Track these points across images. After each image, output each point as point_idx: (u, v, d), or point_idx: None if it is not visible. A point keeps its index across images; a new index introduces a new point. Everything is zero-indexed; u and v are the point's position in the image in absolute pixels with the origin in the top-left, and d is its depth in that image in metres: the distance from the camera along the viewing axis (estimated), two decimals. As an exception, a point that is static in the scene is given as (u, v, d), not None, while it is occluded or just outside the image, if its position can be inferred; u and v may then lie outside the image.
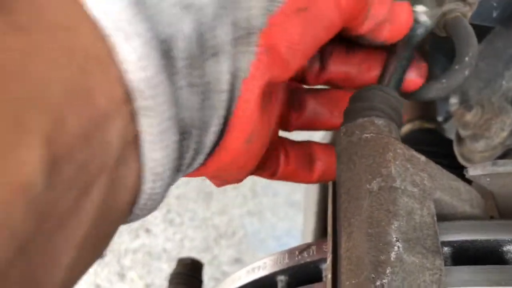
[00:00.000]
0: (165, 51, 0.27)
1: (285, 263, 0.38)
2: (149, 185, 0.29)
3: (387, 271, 0.28)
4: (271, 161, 0.43)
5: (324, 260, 0.37)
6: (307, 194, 0.77)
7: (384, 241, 0.30)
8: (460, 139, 0.55)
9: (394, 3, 0.40)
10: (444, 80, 0.45)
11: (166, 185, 0.30)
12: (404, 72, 0.43)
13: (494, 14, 0.51)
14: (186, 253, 1.39)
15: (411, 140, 0.69)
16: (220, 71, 0.31)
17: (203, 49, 0.29)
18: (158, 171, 0.28)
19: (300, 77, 0.45)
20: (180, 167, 0.31)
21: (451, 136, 0.61)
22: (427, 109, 0.74)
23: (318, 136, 0.84)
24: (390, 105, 0.39)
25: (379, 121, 0.36)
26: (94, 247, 0.27)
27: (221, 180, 0.39)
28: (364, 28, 0.38)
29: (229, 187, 1.57)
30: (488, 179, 0.37)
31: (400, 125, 0.39)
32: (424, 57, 0.45)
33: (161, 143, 0.28)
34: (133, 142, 0.27)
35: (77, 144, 0.24)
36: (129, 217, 0.30)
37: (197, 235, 1.49)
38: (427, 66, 0.45)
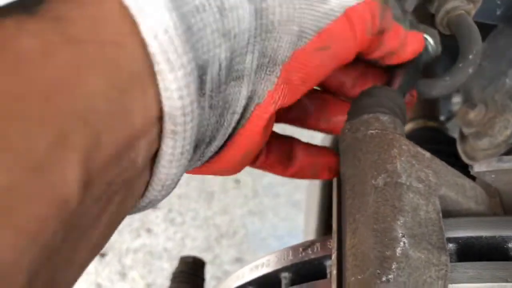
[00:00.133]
0: (199, 76, 0.28)
1: (289, 260, 0.38)
2: (155, 193, 0.30)
3: (393, 266, 0.28)
4: None
5: (328, 256, 0.37)
6: (309, 193, 0.77)
7: (389, 236, 0.30)
8: (463, 137, 0.55)
9: (408, 33, 0.41)
10: (447, 78, 0.44)
11: (168, 193, 0.31)
12: (409, 85, 0.44)
13: (498, 12, 0.50)
14: (187, 253, 1.39)
15: (414, 139, 0.69)
16: (240, 95, 0.32)
17: (229, 73, 0.30)
18: (167, 183, 0.29)
19: None
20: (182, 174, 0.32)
21: (454, 134, 0.61)
22: (430, 107, 0.74)
23: (320, 136, 0.84)
24: (394, 102, 0.39)
25: (384, 118, 0.36)
26: (100, 248, 0.28)
27: (209, 174, 0.40)
28: (374, 56, 0.39)
29: (230, 187, 1.57)
30: (493, 176, 0.37)
31: (404, 122, 0.39)
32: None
33: (178, 162, 0.28)
34: (152, 157, 0.28)
35: (110, 163, 0.24)
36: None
37: (198, 234, 1.49)
38: (416, 97, 0.46)
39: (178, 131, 0.27)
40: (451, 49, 0.47)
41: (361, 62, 0.44)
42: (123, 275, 1.47)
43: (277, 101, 0.34)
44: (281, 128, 0.45)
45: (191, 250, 1.44)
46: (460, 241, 0.33)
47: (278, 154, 0.43)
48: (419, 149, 0.35)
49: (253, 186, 1.59)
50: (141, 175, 0.28)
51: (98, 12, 0.25)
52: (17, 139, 0.21)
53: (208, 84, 0.29)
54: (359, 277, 0.29)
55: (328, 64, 0.35)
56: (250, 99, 0.33)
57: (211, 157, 0.35)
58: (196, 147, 0.31)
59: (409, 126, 0.71)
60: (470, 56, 0.44)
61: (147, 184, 0.29)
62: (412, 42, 0.41)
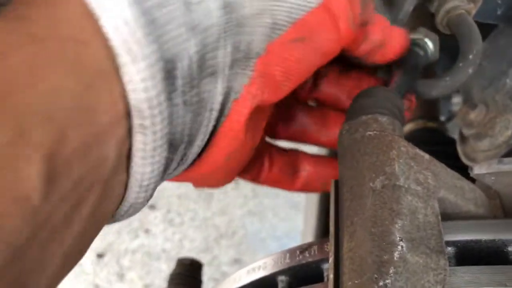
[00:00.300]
0: (168, 71, 0.28)
1: (286, 263, 0.38)
2: (133, 196, 0.29)
3: (390, 271, 0.28)
4: (254, 166, 0.43)
5: (325, 260, 0.36)
6: (308, 195, 0.76)
7: (387, 240, 0.29)
8: (463, 138, 0.54)
9: (392, 28, 0.40)
10: (447, 78, 0.44)
11: (149, 195, 0.30)
12: (408, 86, 0.43)
13: (499, 12, 0.50)
14: (185, 254, 1.39)
15: (413, 140, 0.68)
16: (215, 91, 0.31)
17: (202, 69, 0.30)
18: (144, 184, 0.29)
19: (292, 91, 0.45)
20: (163, 176, 0.32)
21: (454, 135, 0.61)
22: (430, 108, 0.73)
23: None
24: (393, 102, 0.38)
25: (383, 119, 0.36)
26: (77, 254, 0.27)
27: (198, 185, 0.40)
28: (360, 51, 0.39)
29: (229, 187, 1.56)
30: (493, 178, 0.37)
31: (403, 123, 0.39)
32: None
33: (151, 159, 0.28)
34: (126, 156, 0.28)
35: (76, 160, 0.24)
36: (109, 222, 0.31)
37: (197, 235, 1.49)
38: (415, 102, 0.45)
39: (146, 125, 0.27)
40: (451, 49, 0.47)
41: (352, 73, 0.44)
42: (121, 276, 1.47)
43: (256, 95, 0.33)
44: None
45: (190, 251, 1.44)
46: (459, 244, 0.33)
47: (282, 168, 0.43)
48: (418, 150, 0.34)
49: (253, 187, 1.58)
50: (116, 174, 0.27)
51: (61, 11, 0.25)
52: None
53: (180, 79, 0.29)
54: (356, 281, 0.28)
55: (311, 57, 0.34)
56: (226, 95, 0.32)
57: (195, 160, 0.34)
58: (173, 146, 0.30)
59: (408, 127, 0.71)
60: (470, 56, 0.44)
61: (126, 186, 0.29)
62: (396, 36, 0.40)
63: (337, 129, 0.43)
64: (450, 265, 0.30)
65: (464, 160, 0.53)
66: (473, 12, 0.47)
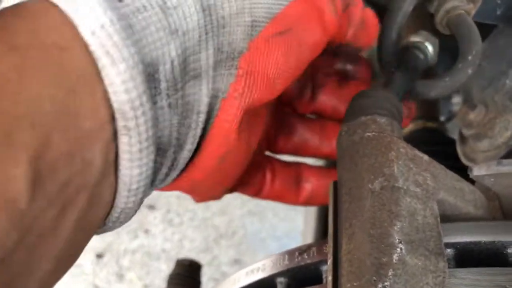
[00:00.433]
0: (150, 74, 0.28)
1: (285, 264, 0.37)
2: (123, 200, 0.29)
3: (389, 273, 0.28)
4: (255, 179, 0.43)
5: (324, 261, 0.36)
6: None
7: (386, 242, 0.29)
8: (463, 138, 0.54)
9: (365, 7, 0.40)
10: (447, 79, 0.44)
11: (139, 199, 0.30)
12: (407, 87, 0.43)
13: (498, 12, 0.50)
14: (185, 254, 1.39)
15: (413, 140, 0.68)
16: (200, 93, 0.31)
17: (185, 72, 0.30)
18: (133, 187, 0.29)
19: (291, 104, 0.45)
20: (153, 182, 0.32)
21: (454, 135, 0.60)
22: (429, 108, 0.73)
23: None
24: (392, 103, 0.38)
25: (382, 120, 0.36)
26: (68, 259, 0.27)
27: (197, 195, 0.40)
28: (347, 37, 0.39)
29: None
30: (492, 179, 0.36)
31: (402, 124, 0.39)
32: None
33: (139, 161, 0.28)
34: (113, 160, 0.28)
35: (61, 163, 0.24)
36: (101, 229, 0.31)
37: (196, 235, 1.49)
38: (415, 107, 0.46)
39: (130, 126, 0.27)
40: (451, 49, 0.47)
41: (353, 83, 0.45)
42: (120, 276, 1.47)
43: (244, 94, 0.33)
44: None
45: (189, 251, 1.44)
46: (458, 246, 0.32)
47: (285, 181, 0.42)
48: (417, 152, 0.34)
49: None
50: (104, 179, 0.27)
51: (41, 21, 0.26)
52: None
53: (163, 82, 0.29)
54: (354, 284, 0.28)
55: (297, 50, 0.34)
56: (213, 96, 0.32)
57: (187, 165, 0.34)
58: (161, 150, 0.30)
59: (408, 127, 0.71)
60: (470, 57, 0.44)
61: (115, 191, 0.29)
62: (370, 14, 0.41)
63: None
64: (449, 267, 0.30)
65: (464, 160, 0.53)
66: (473, 12, 0.47)
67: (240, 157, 0.36)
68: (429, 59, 0.47)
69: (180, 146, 0.32)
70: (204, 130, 0.33)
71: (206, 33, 0.31)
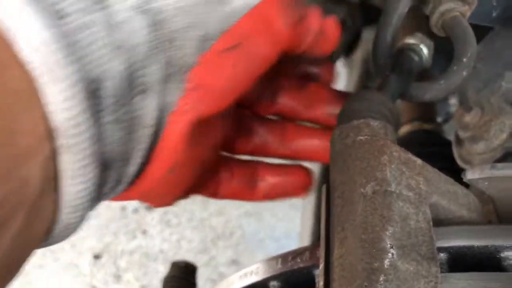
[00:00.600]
0: (93, 91, 0.28)
1: (278, 268, 0.37)
2: (65, 216, 0.29)
3: (381, 279, 0.28)
4: (211, 181, 0.43)
5: (317, 265, 0.36)
6: (303, 204, 0.76)
7: (377, 247, 0.29)
8: (459, 140, 0.54)
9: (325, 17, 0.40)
10: (442, 81, 0.44)
11: (83, 214, 0.30)
12: (400, 90, 0.43)
13: (494, 14, 0.50)
14: (183, 254, 1.38)
15: (410, 141, 0.68)
16: (148, 107, 0.31)
17: (132, 87, 0.30)
18: (75, 204, 0.29)
19: (250, 106, 0.45)
20: (99, 196, 0.32)
21: (451, 137, 0.60)
22: (426, 110, 0.73)
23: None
24: (386, 106, 0.38)
25: (375, 123, 0.35)
26: (6, 276, 0.27)
27: (148, 203, 0.39)
28: (303, 47, 0.38)
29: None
30: (486, 183, 0.36)
31: (397, 127, 0.39)
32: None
33: (81, 178, 0.28)
34: (54, 177, 0.27)
35: None
36: (44, 243, 0.30)
37: (194, 236, 1.49)
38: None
39: (71, 144, 0.27)
40: (446, 51, 0.47)
41: (313, 84, 0.44)
42: (118, 277, 1.46)
43: (193, 107, 0.33)
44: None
45: (187, 252, 1.44)
46: (451, 250, 0.32)
47: (241, 180, 0.42)
48: (410, 155, 0.34)
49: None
50: (44, 196, 0.27)
51: None
52: None
53: (107, 99, 0.29)
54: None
55: (248, 64, 0.34)
56: (162, 110, 0.32)
57: (136, 177, 0.34)
58: (106, 165, 0.30)
59: (405, 129, 0.71)
60: (465, 59, 0.43)
61: (57, 207, 0.28)
62: (331, 22, 0.40)
63: (296, 141, 0.43)
64: (442, 271, 0.30)
65: (460, 162, 0.53)
66: (468, 14, 0.47)
67: (190, 168, 0.36)
68: (424, 61, 0.47)
69: (127, 160, 0.32)
70: (153, 143, 0.33)
71: (156, 47, 0.30)
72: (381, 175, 0.32)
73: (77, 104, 0.27)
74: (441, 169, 0.36)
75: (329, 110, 0.45)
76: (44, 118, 0.26)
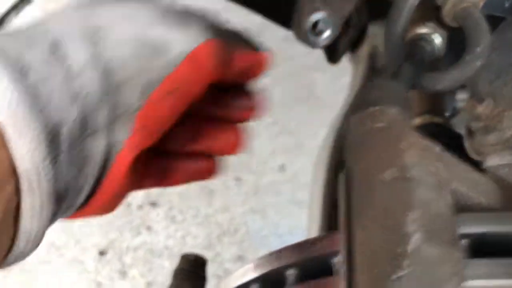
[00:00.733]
0: (52, 139, 0.31)
1: (295, 256, 0.37)
2: (22, 245, 0.32)
3: (404, 264, 0.27)
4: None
5: (335, 253, 0.36)
6: (312, 190, 0.76)
7: (400, 233, 0.29)
8: (471, 132, 0.53)
9: (255, 53, 0.43)
10: (455, 71, 0.44)
11: (37, 242, 0.33)
12: (413, 79, 0.43)
13: (506, 4, 0.50)
14: (188, 250, 1.38)
15: (422, 134, 0.68)
16: (97, 147, 0.35)
17: (84, 130, 0.34)
18: (32, 238, 0.32)
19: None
20: (51, 223, 0.35)
21: (460, 130, 0.60)
22: (435, 103, 0.73)
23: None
24: (401, 94, 0.38)
25: (392, 110, 0.35)
26: None
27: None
28: (232, 78, 0.41)
29: (231, 184, 1.56)
30: (506, 169, 0.36)
31: (410, 116, 0.39)
32: None
33: (39, 215, 0.32)
34: (14, 212, 0.30)
35: None
36: None
37: (199, 232, 1.48)
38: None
39: (33, 187, 0.30)
40: (459, 42, 0.47)
41: (227, 125, 0.45)
42: (123, 273, 1.46)
43: (137, 145, 0.36)
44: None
45: (192, 248, 1.43)
46: (472, 237, 0.32)
47: (154, 173, 0.43)
48: (429, 142, 0.34)
49: (254, 184, 1.58)
50: (2, 228, 0.30)
51: None
52: None
53: (64, 142, 0.32)
54: (369, 275, 0.28)
55: (182, 103, 0.38)
56: (110, 148, 0.36)
57: (83, 204, 0.37)
58: (59, 199, 0.33)
59: (416, 122, 0.70)
60: (478, 49, 0.43)
61: (13, 238, 0.31)
62: (261, 58, 0.43)
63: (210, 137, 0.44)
64: (463, 258, 0.30)
65: (472, 154, 0.53)
66: (481, 4, 0.47)
67: (128, 190, 0.39)
68: (436, 51, 0.47)
69: (77, 192, 0.35)
70: (101, 176, 0.36)
71: (106, 94, 0.34)
72: (401, 162, 0.32)
73: (38, 153, 0.30)
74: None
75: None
76: (10, 162, 0.30)
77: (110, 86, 0.34)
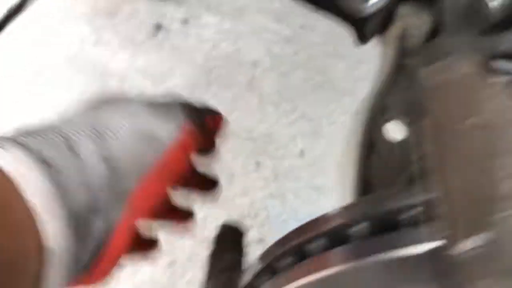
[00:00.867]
0: (72, 218, 0.37)
1: (364, 210, 0.36)
2: None
3: (502, 206, 0.26)
4: None
5: (406, 207, 0.35)
6: (343, 169, 0.74)
7: (493, 177, 0.28)
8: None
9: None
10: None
11: None
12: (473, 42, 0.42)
13: None
14: (209, 232, 1.37)
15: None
16: (99, 225, 0.40)
17: (90, 210, 0.39)
18: None
19: None
20: None
21: None
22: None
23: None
24: (472, 46, 0.37)
25: (469, 59, 0.34)
26: None
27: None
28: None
29: (251, 169, 1.55)
30: None
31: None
32: None
33: (60, 281, 0.37)
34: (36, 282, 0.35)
35: None
36: None
37: (220, 214, 1.47)
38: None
39: (57, 262, 0.35)
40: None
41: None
42: (146, 252, 1.46)
43: (132, 224, 0.43)
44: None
45: (215, 229, 1.43)
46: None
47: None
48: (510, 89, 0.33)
49: (274, 169, 1.57)
50: None
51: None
52: None
53: (80, 226, 0.38)
54: (470, 216, 0.27)
55: (170, 180, 0.45)
56: (109, 226, 0.41)
57: (83, 274, 0.42)
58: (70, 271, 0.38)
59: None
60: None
61: None
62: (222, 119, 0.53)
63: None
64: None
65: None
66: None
67: (125, 255, 0.45)
68: (494, 13, 0.45)
69: (78, 264, 0.40)
70: (100, 249, 0.41)
71: (109, 181, 0.40)
72: (480, 110, 0.31)
73: (64, 232, 0.36)
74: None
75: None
76: (41, 237, 0.35)
77: (113, 173, 0.41)
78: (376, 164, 0.70)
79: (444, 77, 0.34)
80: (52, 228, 0.35)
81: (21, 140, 0.37)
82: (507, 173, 0.28)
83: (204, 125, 0.49)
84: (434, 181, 0.31)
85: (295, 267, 0.38)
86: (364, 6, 0.53)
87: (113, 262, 0.44)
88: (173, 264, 1.43)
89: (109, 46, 1.85)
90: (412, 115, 0.79)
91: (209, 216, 1.49)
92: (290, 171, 1.57)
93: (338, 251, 0.35)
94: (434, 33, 0.84)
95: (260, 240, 1.44)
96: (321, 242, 0.37)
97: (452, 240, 0.28)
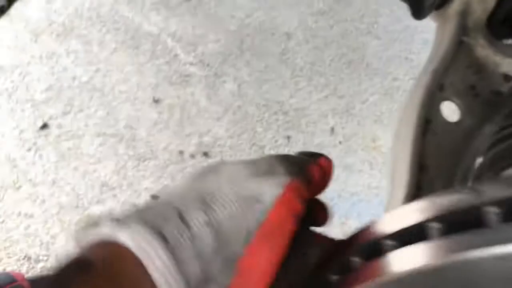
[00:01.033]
0: None
1: (440, 208, 0.33)
2: None
3: None
4: None
5: (489, 203, 0.32)
6: (396, 149, 0.72)
7: None
8: None
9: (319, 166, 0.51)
10: None
11: None
12: None
13: None
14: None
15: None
16: None
17: (205, 280, 0.40)
18: None
19: None
20: None
21: None
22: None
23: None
24: None
25: None
26: None
27: None
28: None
29: (281, 143, 1.53)
30: None
31: None
32: None
33: None
34: None
35: None
36: None
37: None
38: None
39: None
40: None
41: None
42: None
43: (244, 286, 0.43)
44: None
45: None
46: None
47: None
48: None
49: (304, 144, 1.55)
50: None
51: (118, 266, 0.38)
52: None
53: None
54: None
55: (279, 244, 0.43)
56: None
57: None
58: None
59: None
60: None
61: None
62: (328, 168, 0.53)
63: None
64: None
65: None
66: None
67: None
68: None
69: None
70: None
71: (218, 247, 0.41)
72: None
73: None
74: None
75: None
76: None
77: (221, 240, 0.41)
78: (431, 143, 0.67)
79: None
80: None
81: (139, 215, 0.40)
82: None
83: (308, 176, 0.48)
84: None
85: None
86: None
87: None
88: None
89: (143, 7, 1.83)
90: (469, 98, 0.76)
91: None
92: (320, 147, 1.54)
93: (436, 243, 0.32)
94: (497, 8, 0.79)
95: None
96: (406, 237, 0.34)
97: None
